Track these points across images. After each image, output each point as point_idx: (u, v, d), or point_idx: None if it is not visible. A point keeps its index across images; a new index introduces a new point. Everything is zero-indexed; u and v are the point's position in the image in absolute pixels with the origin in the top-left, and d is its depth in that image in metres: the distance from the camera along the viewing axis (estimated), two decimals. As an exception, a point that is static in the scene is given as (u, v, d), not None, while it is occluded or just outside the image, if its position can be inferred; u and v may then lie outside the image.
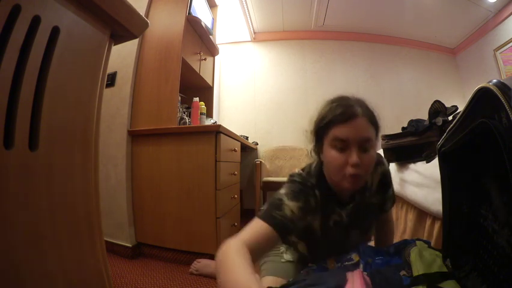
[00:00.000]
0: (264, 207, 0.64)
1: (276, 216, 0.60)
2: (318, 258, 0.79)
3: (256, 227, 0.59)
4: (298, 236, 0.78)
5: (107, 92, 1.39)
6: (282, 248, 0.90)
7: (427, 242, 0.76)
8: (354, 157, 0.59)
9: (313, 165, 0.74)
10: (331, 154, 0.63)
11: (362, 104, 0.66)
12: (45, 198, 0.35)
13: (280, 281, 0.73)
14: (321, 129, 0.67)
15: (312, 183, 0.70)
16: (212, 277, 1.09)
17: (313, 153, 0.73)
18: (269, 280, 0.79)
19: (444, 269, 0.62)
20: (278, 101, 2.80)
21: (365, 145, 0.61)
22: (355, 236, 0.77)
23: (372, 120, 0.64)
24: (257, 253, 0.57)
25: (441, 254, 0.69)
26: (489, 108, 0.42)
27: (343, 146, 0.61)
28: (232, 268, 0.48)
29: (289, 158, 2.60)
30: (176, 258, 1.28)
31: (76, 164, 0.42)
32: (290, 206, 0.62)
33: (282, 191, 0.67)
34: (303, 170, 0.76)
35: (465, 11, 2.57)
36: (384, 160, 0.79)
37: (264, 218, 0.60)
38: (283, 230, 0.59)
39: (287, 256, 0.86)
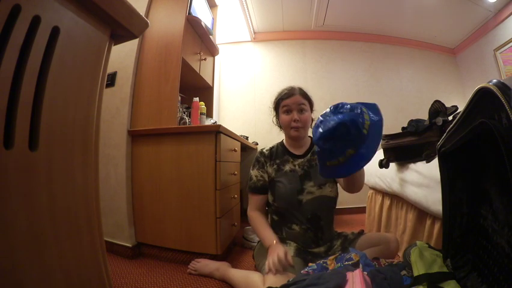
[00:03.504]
0: (248, 184, 1.14)
1: (251, 185, 1.12)
2: (283, 209, 1.06)
3: (252, 198, 1.12)
4: (269, 188, 1.11)
5: (107, 92, 1.39)
6: None
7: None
8: (294, 115, 1.07)
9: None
10: (283, 116, 1.11)
11: (299, 88, 1.12)
12: (45, 198, 0.35)
13: (283, 274, 0.83)
14: (277, 104, 1.15)
15: (262, 150, 1.18)
16: (211, 277, 1.09)
17: (275, 121, 1.23)
18: (272, 276, 0.85)
19: (445, 269, 0.62)
20: (278, 101, 2.81)
21: (301, 108, 1.07)
22: (311, 188, 1.05)
23: (305, 96, 1.11)
24: (263, 210, 1.13)
25: (441, 254, 0.69)
26: (489, 108, 0.42)
27: (288, 109, 1.09)
28: (261, 228, 1.03)
29: (289, 158, 2.60)
30: (176, 258, 1.28)
31: (76, 164, 0.42)
32: (253, 173, 1.13)
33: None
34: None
35: (465, 11, 2.57)
36: None
37: (250, 191, 1.13)
38: (261, 189, 1.11)
39: None
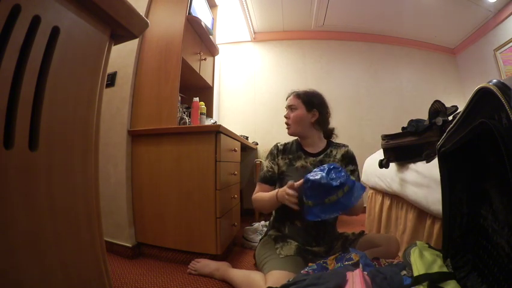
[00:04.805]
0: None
1: (261, 175, 1.17)
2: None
3: (259, 186, 1.16)
4: (278, 181, 1.15)
5: (107, 92, 1.39)
6: (278, 248, 1.01)
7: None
8: (285, 114, 1.18)
9: None
10: None
11: (296, 91, 1.20)
12: (45, 198, 0.35)
13: (285, 273, 0.85)
14: None
15: (277, 143, 1.21)
16: (211, 277, 1.09)
17: None
18: (275, 273, 0.87)
19: (445, 269, 0.62)
20: (278, 101, 2.80)
21: (291, 107, 1.17)
22: None
23: (299, 97, 1.17)
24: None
25: (441, 254, 0.69)
26: (489, 108, 0.42)
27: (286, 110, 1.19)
28: (264, 196, 1.07)
29: (289, 158, 2.61)
30: (176, 258, 1.28)
31: (76, 164, 0.42)
32: (265, 164, 1.19)
33: None
34: None
35: (465, 11, 2.57)
36: (350, 148, 1.22)
37: (259, 180, 1.17)
38: (269, 180, 1.14)
39: (284, 252, 0.98)
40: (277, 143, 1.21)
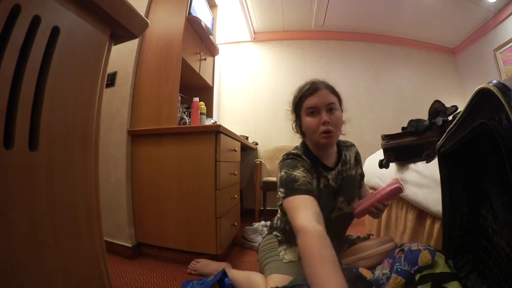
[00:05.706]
0: (282, 190, 0.77)
1: (300, 186, 0.74)
2: None
3: (301, 202, 0.70)
4: None
5: (107, 92, 1.39)
6: (282, 251, 0.96)
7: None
8: (323, 116, 0.83)
9: (300, 144, 0.97)
10: (307, 120, 0.86)
11: (323, 81, 0.90)
12: (45, 198, 0.35)
13: (286, 278, 0.80)
14: (297, 106, 0.91)
15: (298, 153, 0.89)
16: (212, 277, 1.09)
17: (295, 127, 0.97)
18: (275, 278, 0.84)
19: (447, 269, 0.62)
20: (278, 101, 2.80)
21: (330, 107, 0.85)
22: (341, 204, 0.92)
23: (333, 91, 0.90)
24: (322, 221, 0.67)
25: (443, 256, 0.69)
26: (489, 109, 0.42)
27: (314, 111, 0.85)
28: (327, 266, 0.53)
29: (289, 158, 2.60)
30: (176, 258, 1.28)
31: (76, 164, 0.42)
32: (298, 173, 0.79)
33: (283, 170, 0.82)
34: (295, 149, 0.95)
35: (465, 11, 2.57)
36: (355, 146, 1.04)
37: (295, 193, 0.73)
38: (312, 191, 0.76)
39: (288, 257, 0.93)
40: (297, 153, 0.88)
